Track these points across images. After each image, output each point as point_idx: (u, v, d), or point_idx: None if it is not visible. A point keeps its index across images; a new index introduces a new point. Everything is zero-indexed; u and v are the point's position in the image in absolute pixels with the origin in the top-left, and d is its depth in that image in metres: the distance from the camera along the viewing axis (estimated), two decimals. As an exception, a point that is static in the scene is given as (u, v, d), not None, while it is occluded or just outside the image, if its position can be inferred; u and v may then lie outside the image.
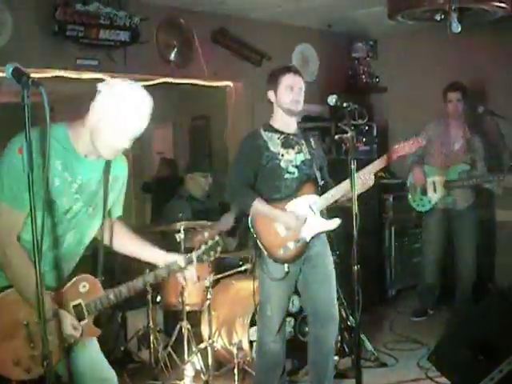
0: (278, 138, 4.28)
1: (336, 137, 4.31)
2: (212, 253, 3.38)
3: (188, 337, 5.10)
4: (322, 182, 4.33)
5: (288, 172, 4.24)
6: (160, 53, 6.37)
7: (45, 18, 5.47)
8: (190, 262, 3.32)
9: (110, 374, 3.28)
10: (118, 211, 3.35)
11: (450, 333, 4.60)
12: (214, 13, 6.64)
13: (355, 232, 3.62)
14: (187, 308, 5.19)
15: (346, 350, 5.25)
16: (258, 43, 7.03)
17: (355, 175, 3.74)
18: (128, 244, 3.37)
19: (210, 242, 3.39)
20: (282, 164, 4.23)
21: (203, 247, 3.37)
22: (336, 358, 4.92)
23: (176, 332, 5.17)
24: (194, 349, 5.09)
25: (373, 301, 7.02)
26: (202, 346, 5.13)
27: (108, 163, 3.05)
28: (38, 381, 3.34)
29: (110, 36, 5.74)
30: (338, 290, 4.62)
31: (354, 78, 7.82)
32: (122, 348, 5.46)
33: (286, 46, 7.32)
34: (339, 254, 5.14)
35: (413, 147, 4.31)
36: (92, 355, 3.22)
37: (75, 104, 11.76)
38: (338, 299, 4.59)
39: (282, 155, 4.24)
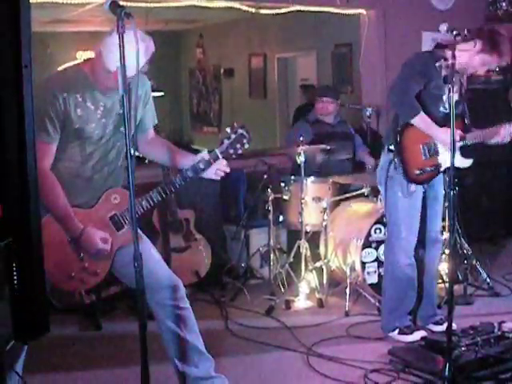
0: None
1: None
2: (238, 145, 3.34)
3: (305, 256, 5.33)
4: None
5: (444, 107, 4.28)
6: (290, -19, 6.45)
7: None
8: (215, 158, 3.32)
9: (174, 280, 3.36)
10: (150, 122, 3.48)
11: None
12: None
13: (452, 159, 3.62)
14: (307, 228, 5.42)
15: (460, 276, 5.28)
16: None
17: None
18: (161, 151, 3.49)
19: (233, 136, 3.33)
20: (444, 98, 4.26)
21: (226, 141, 3.34)
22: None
23: (294, 251, 5.41)
24: (310, 267, 5.33)
25: (500, 233, 6.98)
26: (318, 264, 5.35)
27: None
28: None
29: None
30: (455, 218, 4.61)
31: (494, 6, 7.57)
32: (244, 264, 5.75)
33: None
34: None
35: None
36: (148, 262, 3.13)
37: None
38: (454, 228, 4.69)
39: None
